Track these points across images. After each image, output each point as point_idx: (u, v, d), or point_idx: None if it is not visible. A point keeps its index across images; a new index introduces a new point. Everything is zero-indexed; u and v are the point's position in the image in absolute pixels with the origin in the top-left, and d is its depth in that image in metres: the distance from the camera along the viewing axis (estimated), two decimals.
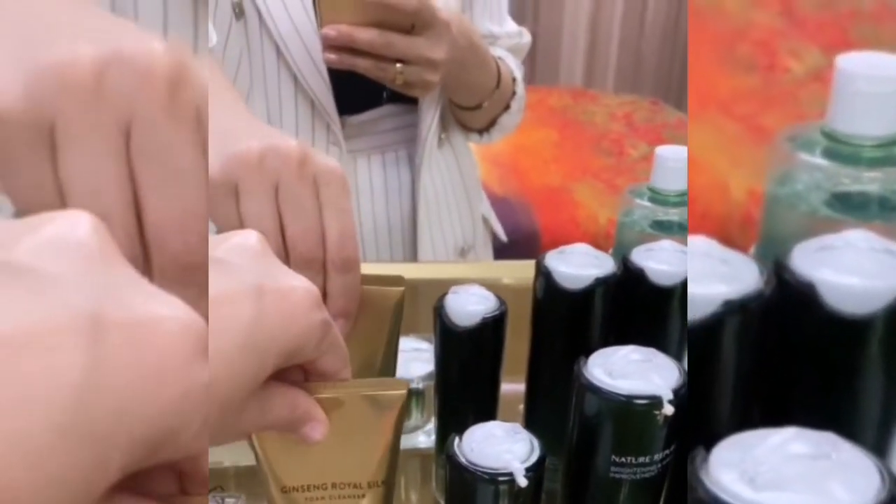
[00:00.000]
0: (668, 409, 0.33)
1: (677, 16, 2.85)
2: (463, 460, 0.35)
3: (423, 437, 0.63)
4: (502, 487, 0.34)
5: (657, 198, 0.56)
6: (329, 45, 0.64)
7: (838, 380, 0.27)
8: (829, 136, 0.31)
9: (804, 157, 0.30)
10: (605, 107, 2.35)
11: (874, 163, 0.30)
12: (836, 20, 1.48)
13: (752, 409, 0.30)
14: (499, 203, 1.74)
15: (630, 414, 0.34)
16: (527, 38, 0.86)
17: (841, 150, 0.30)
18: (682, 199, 0.56)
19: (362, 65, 0.65)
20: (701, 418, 0.30)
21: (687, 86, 2.89)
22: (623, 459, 0.35)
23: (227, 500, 0.40)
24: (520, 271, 0.73)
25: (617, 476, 0.35)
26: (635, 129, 2.18)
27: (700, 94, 1.47)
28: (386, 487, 0.38)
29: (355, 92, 0.73)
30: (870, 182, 0.29)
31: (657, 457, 0.35)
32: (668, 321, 0.44)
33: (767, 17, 1.58)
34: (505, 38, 0.82)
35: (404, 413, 0.37)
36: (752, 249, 0.38)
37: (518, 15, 2.71)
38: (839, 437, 0.21)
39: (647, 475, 0.35)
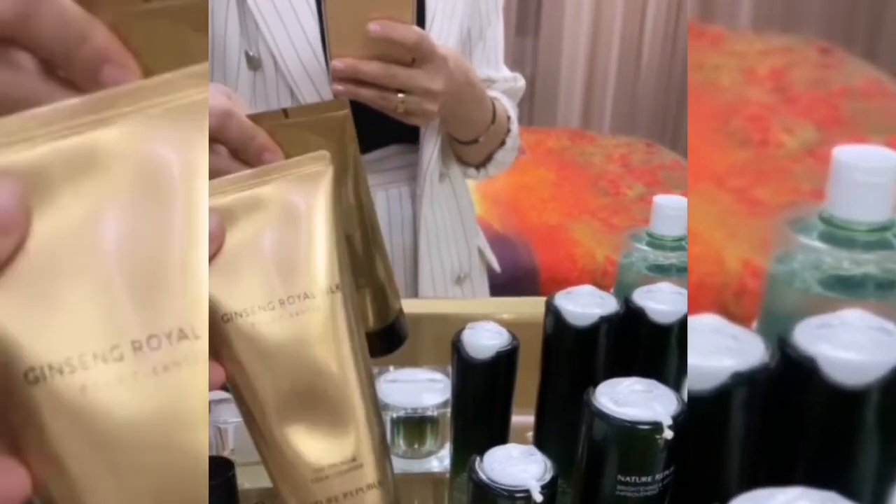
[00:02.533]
0: (668, 434, 0.37)
1: (671, 59, 2.93)
2: (484, 478, 0.39)
3: (435, 463, 0.66)
4: (519, 503, 0.39)
5: (655, 242, 0.60)
6: (337, 76, 0.69)
7: (837, 444, 0.30)
8: (827, 220, 0.35)
9: (802, 239, 0.34)
10: (601, 148, 2.41)
11: (868, 246, 0.34)
12: (828, 97, 1.54)
13: (759, 469, 0.33)
14: (499, 240, 1.79)
15: (634, 438, 0.38)
16: (521, 82, 0.93)
17: (837, 234, 0.34)
18: (678, 244, 0.60)
19: (366, 94, 0.69)
20: (710, 477, 0.33)
21: (683, 126, 2.96)
22: (628, 479, 0.39)
23: None
24: (520, 307, 0.78)
25: (622, 494, 0.39)
26: (631, 170, 2.25)
27: (696, 166, 1.52)
28: (346, 292, 0.32)
29: (362, 133, 0.78)
30: (864, 264, 0.32)
31: (658, 476, 0.39)
32: (667, 356, 0.48)
33: (761, 93, 1.65)
34: (501, 82, 0.89)
35: (337, 195, 0.32)
36: (754, 324, 0.41)
37: (517, 58, 2.80)
38: (841, 496, 0.23)
39: (649, 493, 0.40)
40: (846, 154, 0.35)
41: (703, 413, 0.31)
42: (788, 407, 0.31)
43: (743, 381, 0.30)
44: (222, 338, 0.31)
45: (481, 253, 0.96)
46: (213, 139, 0.43)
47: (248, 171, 0.32)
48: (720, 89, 1.71)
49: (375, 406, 0.35)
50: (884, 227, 0.34)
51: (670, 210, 0.60)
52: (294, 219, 0.32)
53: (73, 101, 0.25)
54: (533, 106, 2.84)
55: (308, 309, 0.31)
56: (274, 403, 0.32)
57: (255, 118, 0.43)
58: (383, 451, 0.36)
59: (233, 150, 0.43)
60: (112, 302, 0.23)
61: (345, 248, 0.33)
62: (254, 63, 0.74)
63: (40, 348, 0.22)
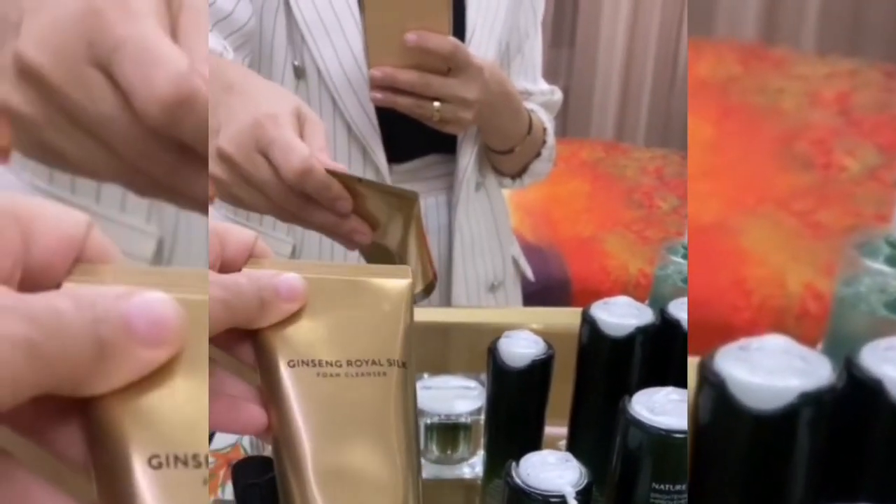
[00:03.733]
0: None
1: None
2: (520, 483, 0.40)
3: (467, 469, 0.67)
4: None
5: None
6: (375, 84, 0.71)
7: None
8: (893, 244, 0.35)
9: (869, 263, 0.34)
10: (636, 160, 2.41)
11: None
12: (892, 120, 1.53)
13: (823, 490, 0.32)
14: (531, 251, 1.79)
15: (669, 446, 0.39)
16: (558, 95, 0.94)
17: None
18: None
19: (403, 103, 0.71)
20: (774, 498, 0.32)
21: None
22: (662, 486, 0.40)
23: None
24: (554, 317, 0.79)
25: (656, 502, 0.40)
26: (665, 183, 2.24)
27: (758, 189, 1.51)
28: (408, 371, 0.34)
29: (402, 142, 0.81)
30: None
31: None
32: None
33: (825, 116, 1.63)
34: (538, 95, 0.90)
35: (411, 301, 0.35)
36: (820, 345, 0.41)
37: (552, 70, 2.80)
38: None
39: (682, 501, 0.40)
40: None
41: (769, 433, 0.32)
42: (854, 428, 0.32)
43: (810, 401, 0.31)
44: (284, 384, 0.31)
45: (515, 262, 0.97)
46: (294, 190, 0.48)
47: (337, 266, 0.35)
48: (783, 113, 1.70)
49: (417, 490, 0.34)
50: None
51: None
52: (376, 309, 0.34)
53: None
54: (567, 117, 2.84)
55: (372, 373, 0.33)
56: (314, 460, 0.31)
57: (329, 172, 0.48)
58: None
59: (310, 195, 0.48)
60: None
61: (413, 334, 0.35)
62: (299, 73, 0.76)
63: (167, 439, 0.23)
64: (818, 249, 1.31)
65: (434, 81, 0.70)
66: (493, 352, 0.52)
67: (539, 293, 1.14)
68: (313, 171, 0.47)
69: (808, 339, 0.40)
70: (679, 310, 0.50)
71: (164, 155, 0.30)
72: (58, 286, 0.23)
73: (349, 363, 0.32)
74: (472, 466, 0.66)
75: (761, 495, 0.32)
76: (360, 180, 0.49)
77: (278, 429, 0.31)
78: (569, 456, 0.42)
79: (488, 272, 0.91)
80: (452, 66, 0.70)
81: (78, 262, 0.23)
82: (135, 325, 0.21)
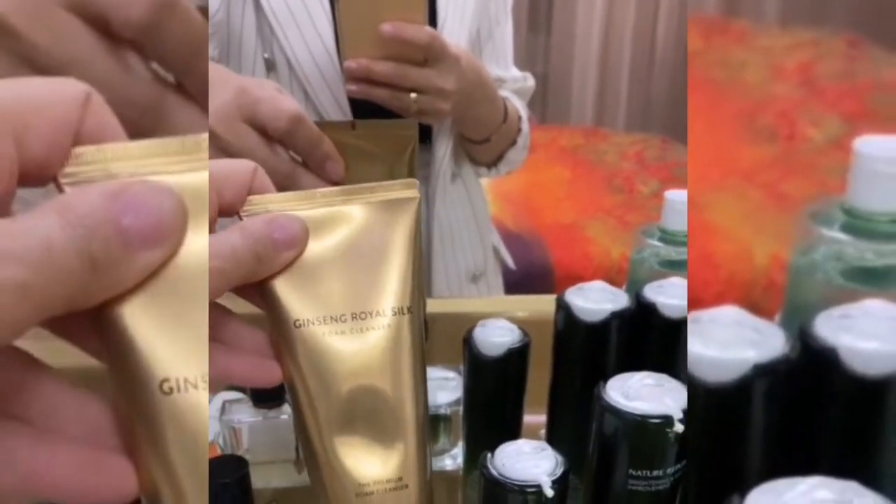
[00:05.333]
0: (679, 427, 0.37)
1: (685, 56, 2.91)
2: (495, 473, 0.39)
3: (449, 461, 0.67)
4: (531, 498, 0.39)
5: (667, 238, 0.60)
6: (351, 76, 0.69)
7: (859, 435, 0.30)
8: (848, 212, 0.35)
9: (824, 231, 0.34)
10: (615, 145, 2.41)
11: (891, 237, 0.34)
12: (855, 89, 1.53)
13: (780, 461, 0.32)
14: (513, 239, 1.79)
15: (645, 432, 0.38)
16: (531, 81, 0.93)
17: (859, 224, 0.33)
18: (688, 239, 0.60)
19: (380, 94, 0.69)
20: (730, 469, 0.33)
21: None
22: (639, 473, 0.39)
23: (230, 393, 0.42)
24: (535, 305, 0.78)
25: (633, 488, 0.39)
26: (646, 167, 2.24)
27: (723, 164, 1.52)
28: (413, 316, 0.33)
29: None
30: (887, 255, 0.32)
31: (669, 470, 0.39)
32: (679, 350, 0.48)
33: (788, 88, 1.64)
34: (511, 82, 0.89)
35: (419, 221, 0.34)
36: (778, 315, 0.41)
37: (529, 57, 2.80)
38: (861, 486, 0.24)
39: (660, 487, 0.39)
40: (867, 145, 0.34)
41: (723, 405, 0.31)
42: (810, 398, 0.31)
43: (764, 372, 0.30)
44: (290, 343, 0.32)
45: (496, 251, 0.97)
46: (281, 141, 0.45)
47: (341, 188, 0.33)
48: (746, 86, 1.70)
49: (426, 431, 0.35)
50: None
51: (681, 205, 0.60)
52: (377, 240, 0.33)
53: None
54: (546, 104, 2.84)
55: (377, 326, 0.33)
56: (328, 413, 0.32)
57: (322, 126, 0.46)
58: (428, 475, 0.36)
59: (297, 153, 0.46)
60: None
61: (420, 273, 0.34)
62: (269, 65, 0.75)
63: (179, 361, 0.23)
64: (784, 221, 1.32)
65: (411, 72, 0.69)
66: (468, 341, 0.51)
67: (521, 281, 1.13)
68: (304, 120, 0.46)
69: (774, 311, 0.40)
70: (655, 293, 0.49)
71: (143, 88, 0.30)
72: (54, 177, 0.22)
73: (354, 317, 0.32)
74: (454, 458, 0.66)
75: (718, 468, 0.32)
76: (353, 126, 0.47)
77: (291, 381, 0.32)
78: (544, 445, 0.41)
79: (469, 262, 0.90)
80: (429, 56, 0.69)
81: (76, 143, 0.22)
82: (128, 229, 0.20)
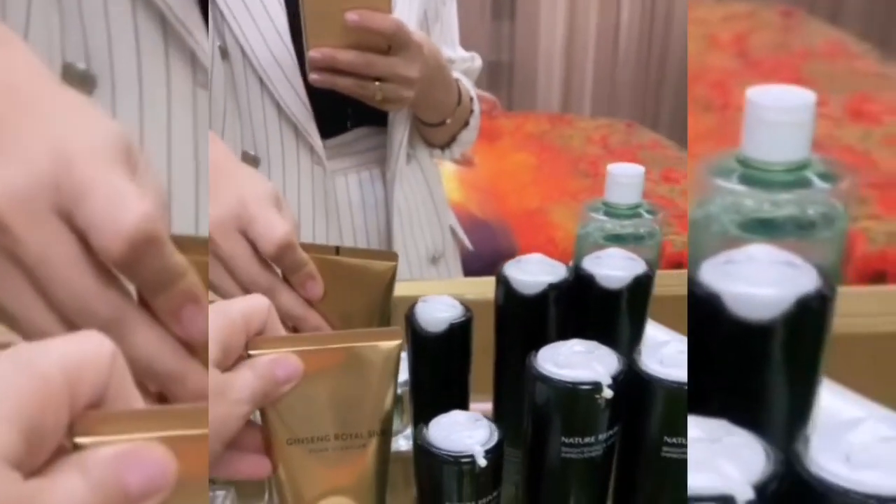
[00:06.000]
0: (608, 394, 0.38)
1: (650, 39, 2.93)
2: (429, 445, 0.39)
3: (403, 442, 0.66)
4: (465, 468, 0.39)
5: (611, 211, 0.60)
6: (315, 66, 0.69)
7: (746, 379, 0.31)
8: (743, 162, 0.35)
9: (721, 182, 0.34)
10: (581, 130, 2.41)
11: (785, 186, 0.34)
12: (790, 59, 1.55)
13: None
14: (479, 226, 1.79)
15: (575, 399, 0.38)
16: (478, 62, 0.93)
17: (754, 175, 0.33)
18: (633, 212, 0.60)
19: (344, 83, 0.70)
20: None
21: (664, 106, 2.97)
22: (571, 440, 0.39)
23: (218, 491, 0.43)
24: (486, 287, 0.78)
25: (567, 456, 0.40)
26: (611, 151, 2.25)
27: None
28: (385, 437, 0.39)
29: (330, 117, 0.79)
30: (782, 204, 0.31)
31: (602, 437, 0.39)
32: (618, 320, 0.49)
33: (723, 58, 1.65)
34: (459, 62, 0.89)
35: (398, 363, 0.39)
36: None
37: (494, 43, 2.80)
38: (731, 424, 0.25)
39: (593, 454, 0.40)
40: (759, 95, 0.34)
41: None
42: (698, 344, 0.32)
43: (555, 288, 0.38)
44: (281, 455, 0.38)
45: (453, 232, 0.97)
46: (269, 264, 0.49)
47: (333, 334, 0.42)
48: None
49: None
50: (801, 166, 0.33)
51: (624, 178, 0.60)
52: (360, 377, 0.38)
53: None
54: (512, 90, 2.84)
55: (355, 446, 0.39)
56: None
57: (307, 248, 0.49)
58: None
59: (283, 272, 0.49)
60: None
61: (395, 401, 0.39)
62: (223, 54, 0.74)
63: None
64: None
65: (376, 61, 0.69)
66: (409, 318, 0.51)
67: (487, 268, 1.13)
68: (293, 245, 0.48)
69: None
70: (593, 265, 0.49)
71: (109, 303, 0.31)
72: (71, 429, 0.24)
73: (336, 437, 0.38)
74: (408, 439, 0.65)
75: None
76: (337, 251, 0.50)
77: (280, 486, 0.39)
78: (479, 416, 0.41)
79: (428, 244, 0.90)
80: (393, 44, 0.69)
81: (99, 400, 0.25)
82: (130, 485, 0.23)
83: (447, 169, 2.05)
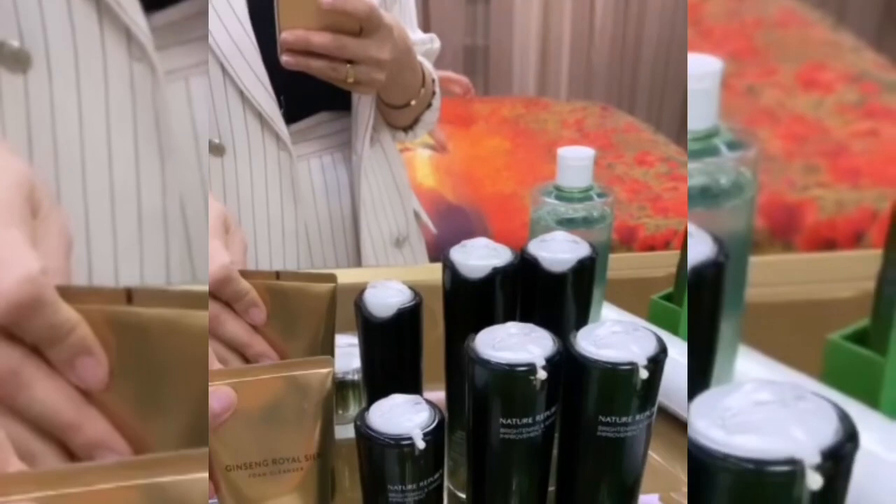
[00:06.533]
0: (542, 375, 0.38)
1: (625, 22, 2.93)
2: (369, 429, 0.40)
3: None
4: (405, 450, 0.39)
5: (562, 195, 0.61)
6: (286, 48, 0.69)
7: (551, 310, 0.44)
8: (557, 188, 0.37)
9: (545, 198, 0.41)
10: (556, 114, 2.41)
11: (696, 154, 0.34)
12: (742, 29, 1.55)
13: None
14: (453, 211, 1.79)
15: (510, 380, 0.39)
16: (437, 43, 0.94)
17: (563, 194, 0.40)
18: (585, 195, 0.61)
19: (316, 66, 0.69)
20: None
21: (639, 89, 2.97)
22: (509, 421, 0.40)
23: None
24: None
25: (506, 437, 0.40)
26: (586, 135, 2.25)
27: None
28: (322, 460, 0.41)
29: (292, 102, 0.79)
30: (578, 210, 0.39)
31: (539, 417, 0.40)
32: (563, 304, 0.49)
33: None
34: (419, 45, 0.90)
35: (332, 390, 0.41)
36: None
37: (469, 29, 2.79)
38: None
39: (532, 435, 0.40)
40: (566, 151, 0.43)
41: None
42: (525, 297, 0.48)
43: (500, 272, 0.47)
44: (221, 481, 0.41)
45: (417, 216, 0.97)
46: (211, 295, 0.49)
47: (271, 364, 0.43)
48: None
49: None
50: (709, 134, 0.34)
51: (575, 161, 0.61)
52: (294, 403, 0.40)
53: None
54: (488, 75, 2.83)
55: (292, 469, 0.41)
56: None
57: (248, 275, 0.49)
58: None
59: (225, 302, 0.49)
60: None
61: (330, 425, 0.41)
62: None
63: None
64: None
65: (349, 43, 0.69)
66: (358, 304, 0.51)
67: None
68: (231, 279, 0.48)
69: None
70: (538, 248, 0.50)
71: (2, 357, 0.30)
72: None
73: (274, 461, 0.40)
74: None
75: None
76: (277, 276, 0.51)
77: None
78: (419, 399, 0.42)
79: (392, 227, 0.91)
80: (366, 26, 0.69)
81: None
82: None
83: (421, 154, 2.04)
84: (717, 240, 0.31)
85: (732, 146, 0.34)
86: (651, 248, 1.70)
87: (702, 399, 0.25)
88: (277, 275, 0.51)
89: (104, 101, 0.58)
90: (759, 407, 0.24)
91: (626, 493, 0.43)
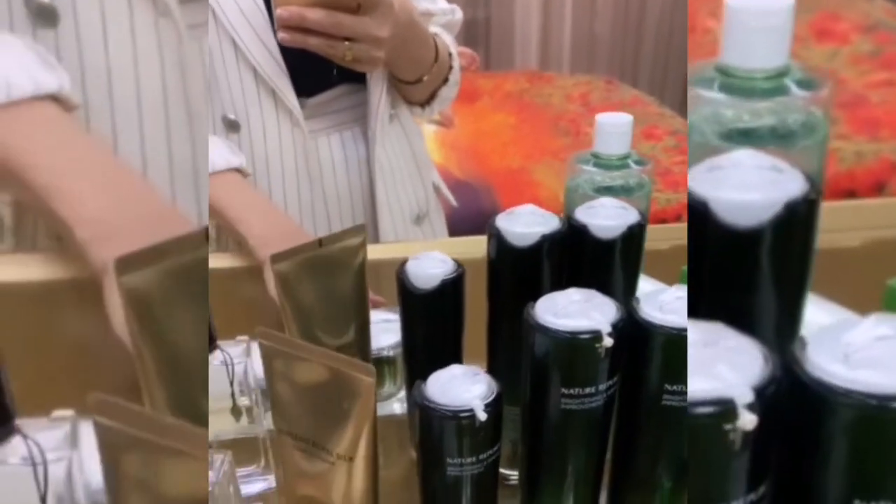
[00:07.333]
0: (608, 342, 0.37)
1: None
2: (428, 401, 0.38)
3: (397, 405, 0.66)
4: (464, 423, 0.38)
5: (600, 162, 0.59)
6: (282, 24, 0.68)
7: (736, 287, 0.31)
8: (724, 71, 0.33)
9: (701, 92, 0.33)
10: (560, 88, 2.39)
11: (766, 93, 0.33)
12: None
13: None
14: (461, 187, 1.77)
15: (574, 348, 0.37)
16: (459, 14, 0.92)
17: (734, 83, 0.32)
18: (623, 163, 0.59)
19: (313, 43, 0.68)
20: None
21: (643, 62, 2.94)
22: (571, 391, 0.38)
23: (215, 455, 0.43)
24: (480, 246, 0.77)
25: (567, 407, 0.39)
26: (591, 109, 2.23)
27: None
28: (352, 464, 0.41)
29: (309, 75, 0.77)
30: (763, 112, 0.30)
31: (602, 387, 0.39)
32: (612, 270, 0.48)
33: None
34: (440, 15, 0.88)
35: (372, 399, 0.40)
36: None
37: (470, 2, 2.74)
38: (727, 327, 0.25)
39: (594, 405, 0.39)
40: (738, 1, 0.33)
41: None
42: (694, 250, 0.31)
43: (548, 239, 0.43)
44: (276, 440, 0.43)
45: (437, 189, 0.96)
46: None
47: (325, 352, 0.40)
48: None
49: None
50: (780, 73, 0.33)
51: (613, 128, 0.59)
52: (338, 401, 0.40)
53: None
54: (489, 50, 2.80)
55: (324, 460, 0.42)
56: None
57: (293, 250, 0.48)
58: None
59: None
60: None
61: (370, 434, 0.41)
62: None
63: None
64: None
65: (345, 21, 0.67)
66: (400, 276, 0.50)
67: (472, 229, 1.12)
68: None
69: None
70: (586, 215, 0.48)
71: None
72: None
73: (314, 444, 0.41)
74: (402, 402, 0.65)
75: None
76: (320, 243, 0.50)
77: None
78: (477, 370, 0.41)
79: (412, 203, 0.89)
80: (363, 3, 0.67)
81: None
82: None
83: (426, 130, 2.02)
84: (810, 177, 0.30)
85: (804, 85, 0.32)
86: (663, 222, 1.69)
87: (819, 335, 0.24)
88: (320, 242, 0.49)
89: (132, 56, 0.57)
90: (881, 342, 0.23)
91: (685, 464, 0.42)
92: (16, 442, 0.29)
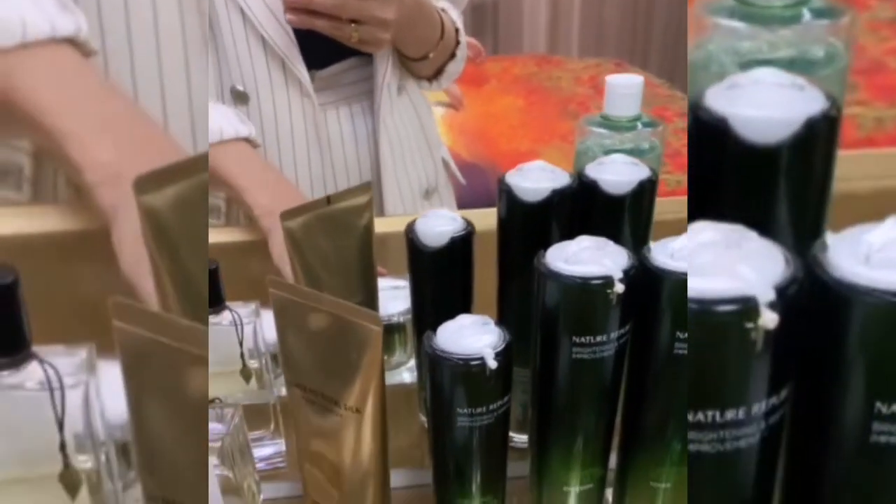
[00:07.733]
0: (620, 288, 0.37)
1: None
2: (438, 351, 0.38)
3: (407, 374, 0.66)
4: (475, 371, 0.38)
5: (610, 124, 0.59)
6: (289, 6, 0.69)
7: (754, 204, 0.30)
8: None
9: (718, 20, 0.32)
10: (570, 71, 2.38)
11: (785, 21, 0.32)
12: None
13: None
14: (470, 169, 1.76)
15: (585, 295, 0.37)
16: None
17: (753, 11, 0.32)
18: (632, 125, 0.59)
19: (320, 24, 0.70)
20: None
21: (653, 45, 2.92)
22: (582, 339, 0.38)
23: (225, 409, 0.43)
24: (489, 219, 0.76)
25: (578, 356, 0.39)
26: (600, 92, 2.20)
27: None
28: (361, 417, 0.41)
29: (320, 47, 0.77)
30: (781, 41, 0.30)
31: (613, 335, 0.38)
32: (622, 226, 0.48)
33: None
34: None
35: (380, 350, 0.40)
36: None
37: None
38: (746, 228, 0.25)
39: (605, 354, 0.39)
40: None
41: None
42: (705, 170, 0.31)
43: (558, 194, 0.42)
44: (290, 395, 0.44)
45: (446, 164, 0.96)
46: None
47: (334, 300, 0.39)
48: None
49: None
50: (799, 2, 0.32)
51: (623, 88, 0.59)
52: (346, 351, 0.40)
53: None
54: (498, 33, 2.78)
55: (334, 412, 0.42)
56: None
57: (302, 207, 0.48)
58: None
59: None
60: None
61: (380, 383, 0.41)
62: None
63: None
64: None
65: (350, 3, 0.69)
66: (409, 234, 0.50)
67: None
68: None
69: None
70: (596, 171, 0.48)
71: None
72: None
73: (323, 396, 0.41)
74: (412, 370, 0.65)
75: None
76: (329, 200, 0.49)
77: None
78: (487, 319, 0.40)
79: (420, 177, 0.89)
80: None
81: None
82: None
83: (435, 112, 2.02)
84: (830, 96, 0.30)
85: (824, 14, 0.32)
86: None
87: (840, 238, 0.24)
88: (328, 199, 0.49)
89: (153, 21, 0.58)
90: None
91: None
92: (32, 367, 0.29)
